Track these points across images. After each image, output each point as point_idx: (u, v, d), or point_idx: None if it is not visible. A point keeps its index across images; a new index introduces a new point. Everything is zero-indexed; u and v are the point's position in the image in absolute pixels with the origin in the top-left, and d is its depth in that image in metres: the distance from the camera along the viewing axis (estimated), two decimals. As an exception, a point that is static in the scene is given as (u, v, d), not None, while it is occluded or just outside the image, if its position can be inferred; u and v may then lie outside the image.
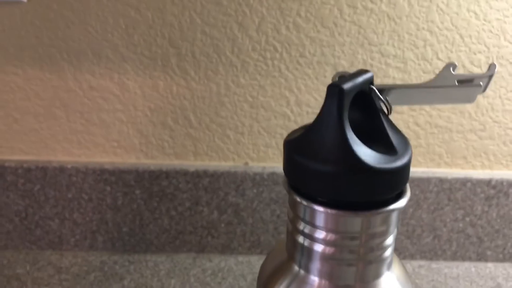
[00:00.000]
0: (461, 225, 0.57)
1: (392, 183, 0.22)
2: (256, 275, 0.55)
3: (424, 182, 0.55)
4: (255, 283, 0.55)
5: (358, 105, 0.23)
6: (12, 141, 0.56)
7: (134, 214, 0.57)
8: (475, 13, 0.50)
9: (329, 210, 0.23)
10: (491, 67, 0.24)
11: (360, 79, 0.23)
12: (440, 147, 0.56)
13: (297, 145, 0.23)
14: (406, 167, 0.23)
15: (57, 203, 0.57)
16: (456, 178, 0.55)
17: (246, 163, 0.57)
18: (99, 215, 0.58)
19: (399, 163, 0.22)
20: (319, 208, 0.23)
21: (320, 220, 0.23)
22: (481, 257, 0.59)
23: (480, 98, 0.53)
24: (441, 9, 0.50)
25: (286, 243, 0.27)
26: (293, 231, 0.25)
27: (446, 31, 0.51)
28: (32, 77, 0.53)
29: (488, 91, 0.51)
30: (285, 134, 0.56)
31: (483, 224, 0.57)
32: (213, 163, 0.57)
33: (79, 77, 0.53)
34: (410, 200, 0.55)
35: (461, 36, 0.51)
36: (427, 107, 0.54)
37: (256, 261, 0.59)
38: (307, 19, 0.51)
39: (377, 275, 0.25)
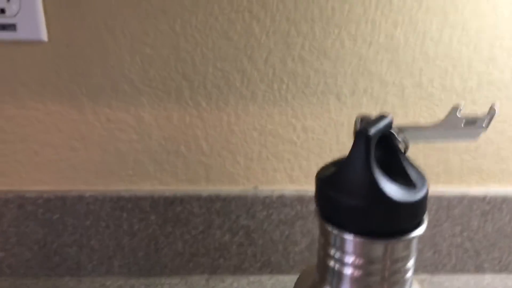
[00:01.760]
0: (459, 239, 0.61)
1: (413, 213, 0.26)
2: (269, 294, 0.58)
3: (423, 201, 0.59)
4: (268, 302, 0.58)
5: (380, 145, 0.26)
6: (33, 172, 0.59)
7: (150, 239, 0.60)
8: (466, 44, 0.54)
9: (357, 238, 0.26)
10: (492, 108, 0.27)
11: (382, 124, 0.26)
12: (437, 167, 0.60)
13: (330, 182, 0.27)
14: (424, 199, 0.26)
15: (75, 231, 0.59)
16: (453, 196, 0.59)
17: (256, 187, 0.61)
18: (115, 241, 0.60)
19: (418, 196, 0.26)
20: (349, 237, 0.26)
21: (349, 246, 0.27)
22: (479, 269, 0.62)
23: (472, 121, 0.57)
24: (434, 41, 0.54)
25: (317, 266, 0.30)
26: (325, 256, 0.28)
27: (439, 61, 0.55)
28: (52, 112, 0.56)
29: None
30: (292, 159, 0.59)
31: (479, 238, 0.61)
32: (225, 187, 0.60)
33: (97, 110, 0.56)
34: (411, 217, 0.59)
35: (454, 66, 0.55)
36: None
37: (266, 281, 0.61)
38: (311, 52, 0.55)
39: (400, 294, 0.28)
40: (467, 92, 0.56)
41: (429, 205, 0.59)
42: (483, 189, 0.60)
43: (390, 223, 0.26)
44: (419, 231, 0.27)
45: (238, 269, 0.62)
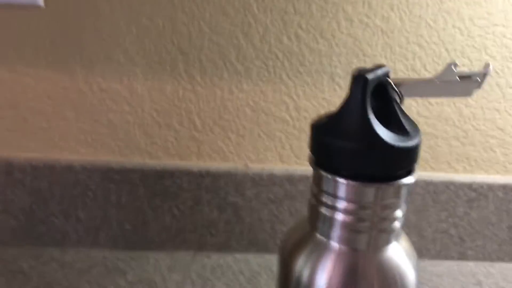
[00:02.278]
0: (444, 225, 0.62)
1: (404, 159, 0.26)
2: (254, 272, 0.58)
3: (411, 186, 0.60)
4: (253, 279, 0.58)
5: (376, 95, 0.27)
6: (22, 139, 0.58)
7: (137, 212, 0.60)
8: (460, 30, 0.55)
9: (350, 182, 0.26)
10: (486, 66, 0.28)
11: (380, 71, 0.27)
12: (426, 152, 0.60)
13: (325, 127, 0.27)
14: (417, 147, 0.27)
15: (62, 201, 0.59)
16: (440, 181, 0.60)
17: (246, 165, 0.61)
18: (102, 212, 0.60)
19: (412, 143, 0.26)
20: (342, 180, 0.27)
21: (341, 191, 0.27)
22: (463, 256, 0.63)
23: (463, 107, 0.58)
24: (429, 25, 0.55)
25: (308, 217, 0.30)
26: (317, 204, 0.29)
27: (433, 45, 0.56)
28: (44, 78, 0.56)
29: (470, 101, 0.56)
30: (283, 138, 0.59)
31: (464, 225, 0.62)
32: (215, 164, 0.60)
33: (90, 79, 0.56)
34: (398, 201, 0.59)
35: (447, 50, 0.56)
36: (414, 114, 0.58)
37: (253, 259, 0.62)
38: (308, 31, 0.55)
39: (387, 242, 0.29)
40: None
41: (416, 189, 0.59)
42: (470, 176, 0.61)
43: (382, 167, 0.26)
44: (410, 179, 0.27)
45: (225, 246, 0.62)
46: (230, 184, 0.59)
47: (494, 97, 0.58)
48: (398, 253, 0.29)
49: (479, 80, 0.27)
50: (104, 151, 0.59)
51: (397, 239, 0.30)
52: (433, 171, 0.61)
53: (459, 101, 0.58)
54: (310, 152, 0.29)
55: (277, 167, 0.60)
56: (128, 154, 0.59)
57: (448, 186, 0.60)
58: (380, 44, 0.55)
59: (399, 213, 0.29)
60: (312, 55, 0.56)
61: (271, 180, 0.59)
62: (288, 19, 0.54)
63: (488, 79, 0.57)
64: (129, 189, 0.59)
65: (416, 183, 0.60)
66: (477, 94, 0.57)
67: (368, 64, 0.56)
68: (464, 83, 0.27)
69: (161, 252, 0.61)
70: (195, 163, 0.60)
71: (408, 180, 0.27)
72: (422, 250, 0.63)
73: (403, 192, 0.28)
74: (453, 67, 0.27)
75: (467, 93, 0.27)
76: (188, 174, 0.59)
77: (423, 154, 0.60)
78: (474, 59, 0.56)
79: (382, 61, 0.56)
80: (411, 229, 0.61)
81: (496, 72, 0.57)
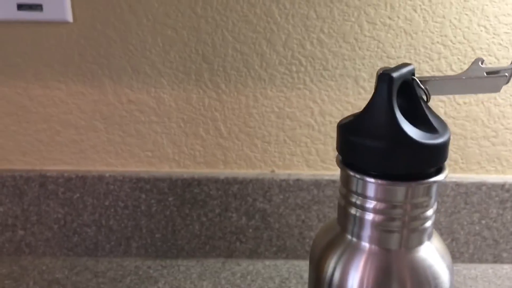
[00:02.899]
0: (477, 228, 0.60)
1: (434, 157, 0.26)
2: (284, 278, 0.58)
3: (441, 187, 0.59)
4: (283, 285, 0.58)
5: (402, 94, 0.27)
6: (54, 152, 0.60)
7: (167, 221, 0.61)
8: (485, 28, 0.54)
9: (379, 181, 0.26)
10: (514, 61, 0.28)
11: (405, 69, 0.27)
12: (455, 153, 0.59)
13: (351, 127, 0.27)
14: (446, 144, 0.26)
15: (94, 211, 0.60)
16: (471, 183, 0.59)
17: (273, 171, 0.61)
18: (133, 221, 0.61)
19: (440, 140, 0.26)
20: (371, 180, 0.27)
21: (371, 191, 0.27)
22: (497, 259, 0.62)
23: (492, 106, 0.57)
24: (454, 24, 0.54)
25: (338, 218, 0.30)
26: (346, 205, 0.29)
27: (458, 44, 0.55)
28: (75, 92, 0.58)
29: (499, 99, 0.55)
30: (309, 143, 0.59)
31: (498, 226, 0.60)
32: (242, 171, 0.61)
33: (118, 91, 0.57)
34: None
35: (473, 49, 0.55)
36: (442, 115, 0.57)
37: (282, 265, 0.61)
38: (330, 35, 0.55)
39: (419, 242, 0.28)
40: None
41: (447, 191, 0.58)
42: (502, 177, 0.60)
43: (411, 165, 0.26)
44: (439, 177, 0.27)
45: (254, 253, 0.62)
46: (258, 190, 0.59)
47: (524, 95, 0.57)
48: (431, 253, 0.29)
49: (507, 75, 0.27)
50: (133, 161, 0.60)
51: (429, 239, 0.29)
52: (464, 172, 0.60)
53: (488, 100, 0.57)
54: (337, 152, 0.29)
55: (304, 173, 0.60)
56: (157, 163, 0.60)
57: (480, 187, 0.59)
58: (404, 46, 0.55)
59: (430, 212, 0.28)
60: (335, 59, 0.56)
61: (298, 185, 0.59)
62: (310, 24, 0.55)
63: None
64: (158, 198, 0.60)
65: (447, 185, 0.59)
66: (506, 92, 0.56)
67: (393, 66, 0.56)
68: (491, 79, 0.27)
69: (191, 260, 0.62)
70: (222, 171, 0.61)
71: (438, 177, 0.27)
72: (456, 254, 0.61)
73: (434, 190, 0.28)
74: (480, 63, 0.27)
75: (495, 89, 0.27)
76: (216, 181, 0.59)
77: (453, 155, 0.59)
78: (501, 57, 0.55)
79: (406, 62, 0.56)
80: (443, 231, 0.60)
81: (525, 69, 0.56)
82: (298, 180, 0.59)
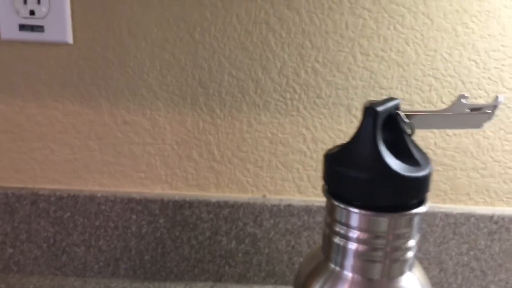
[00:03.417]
0: (465, 258, 0.61)
1: (415, 189, 0.27)
2: (272, 303, 0.58)
3: (430, 217, 0.59)
4: (271, 311, 0.57)
5: (387, 127, 0.28)
6: (48, 170, 0.60)
7: (157, 242, 0.61)
8: (476, 62, 0.56)
9: (363, 212, 0.27)
10: (496, 98, 0.29)
11: (390, 104, 0.28)
12: (445, 183, 0.60)
13: (337, 157, 0.28)
14: (427, 177, 0.27)
15: (84, 230, 0.60)
16: (460, 213, 0.59)
17: (264, 195, 0.61)
18: (123, 242, 0.61)
19: (422, 173, 0.27)
20: (355, 210, 0.27)
21: (354, 221, 0.28)
22: (485, 291, 0.62)
23: (481, 138, 0.58)
24: (445, 58, 0.56)
25: (322, 247, 0.31)
26: (330, 234, 0.29)
27: (449, 77, 0.56)
28: (71, 112, 0.58)
29: (488, 132, 0.56)
30: (301, 169, 0.60)
31: (486, 258, 0.61)
32: (233, 194, 0.61)
33: (114, 112, 0.58)
34: (418, 233, 0.59)
35: (463, 83, 0.56)
36: (432, 146, 0.58)
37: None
38: (324, 65, 0.56)
39: (401, 273, 0.29)
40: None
41: (436, 221, 0.59)
42: (491, 208, 0.60)
43: (394, 197, 0.27)
44: (422, 208, 0.27)
45: (243, 278, 0.62)
46: (248, 214, 0.60)
47: (512, 129, 0.58)
48: (412, 283, 0.29)
49: (490, 112, 0.27)
50: (126, 181, 0.61)
51: (411, 269, 0.30)
52: (453, 203, 0.61)
53: (477, 133, 0.58)
54: (323, 182, 0.30)
55: (295, 198, 0.61)
56: (149, 184, 0.61)
57: (469, 218, 0.59)
58: (396, 77, 0.56)
59: (412, 242, 0.29)
60: (329, 88, 0.57)
61: (289, 211, 0.60)
62: (305, 53, 0.56)
63: (506, 111, 0.57)
64: (149, 219, 0.60)
65: (436, 215, 0.59)
66: (495, 125, 0.58)
67: (384, 97, 0.57)
68: (474, 115, 0.28)
69: (179, 283, 0.62)
70: (213, 194, 0.61)
71: (420, 209, 0.28)
72: (444, 284, 0.62)
73: (416, 221, 0.29)
74: (463, 100, 0.28)
75: (478, 125, 0.28)
76: (207, 204, 0.60)
77: (442, 185, 0.60)
78: (491, 91, 0.57)
79: (398, 93, 0.57)
80: (432, 261, 0.61)
81: (514, 104, 0.57)
82: (289, 205, 0.60)
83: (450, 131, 0.58)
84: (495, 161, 0.59)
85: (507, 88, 0.56)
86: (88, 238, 0.61)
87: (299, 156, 0.60)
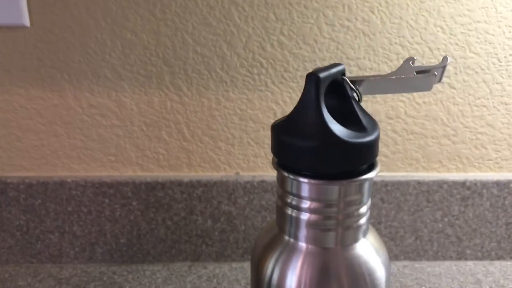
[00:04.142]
0: (440, 225, 0.61)
1: (363, 155, 0.26)
2: (249, 281, 0.58)
3: (403, 185, 0.59)
4: (249, 287, 0.58)
5: (333, 94, 0.27)
6: (15, 158, 0.59)
7: (132, 225, 0.60)
8: (442, 28, 0.55)
9: (312, 181, 0.26)
10: (444, 59, 0.28)
11: (334, 70, 0.27)
12: (416, 152, 0.60)
13: (282, 127, 0.27)
14: (375, 142, 0.27)
15: (57, 217, 0.60)
16: (433, 181, 0.59)
17: (237, 173, 0.61)
18: (98, 227, 0.60)
19: (369, 138, 0.26)
20: (304, 180, 0.27)
21: (304, 191, 0.27)
22: (461, 256, 0.62)
23: (451, 105, 0.58)
24: (411, 25, 0.55)
25: (276, 219, 0.30)
26: (282, 206, 0.29)
27: (416, 45, 0.56)
28: (34, 97, 0.57)
29: (457, 98, 0.56)
30: (273, 144, 0.60)
31: (461, 224, 0.61)
32: (206, 173, 0.61)
33: (79, 95, 0.57)
34: (390, 203, 0.59)
35: (430, 49, 0.56)
36: (402, 115, 0.58)
37: (249, 267, 0.61)
38: (290, 37, 0.55)
39: (354, 240, 0.29)
40: (444, 76, 0.57)
41: (409, 190, 0.59)
42: (463, 175, 0.60)
43: (341, 164, 0.26)
44: (370, 174, 0.27)
45: (221, 256, 0.62)
46: (222, 193, 0.59)
47: (481, 94, 0.57)
48: (367, 250, 0.29)
49: (437, 74, 0.27)
50: (96, 165, 0.60)
51: (365, 236, 0.30)
52: (425, 171, 0.61)
53: (447, 100, 0.58)
54: (272, 154, 0.29)
55: (269, 174, 0.60)
56: (120, 167, 0.60)
57: (441, 185, 0.60)
58: (362, 47, 0.56)
59: (364, 209, 0.29)
60: (296, 61, 0.56)
61: (263, 187, 0.59)
62: (270, 26, 0.55)
63: (474, 76, 0.57)
64: (122, 202, 0.59)
65: (409, 183, 0.59)
66: (464, 91, 0.57)
67: (353, 67, 0.57)
68: (422, 77, 0.27)
69: (157, 265, 0.62)
70: (186, 174, 0.60)
71: (369, 175, 0.27)
72: (420, 251, 0.62)
73: (366, 187, 0.28)
74: (411, 63, 0.27)
75: (427, 87, 0.27)
76: (180, 184, 0.59)
77: (414, 154, 0.60)
78: (459, 57, 0.56)
79: (366, 63, 0.56)
80: (407, 230, 0.61)
81: (482, 69, 0.57)
82: (262, 181, 0.59)
83: (420, 99, 0.58)
84: (466, 127, 0.59)
85: (474, 53, 0.56)
86: (61, 224, 0.60)
87: (270, 131, 0.59)
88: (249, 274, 0.60)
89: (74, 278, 0.59)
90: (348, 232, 0.28)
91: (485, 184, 0.60)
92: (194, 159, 0.60)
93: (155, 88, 0.57)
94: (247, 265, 0.62)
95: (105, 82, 0.57)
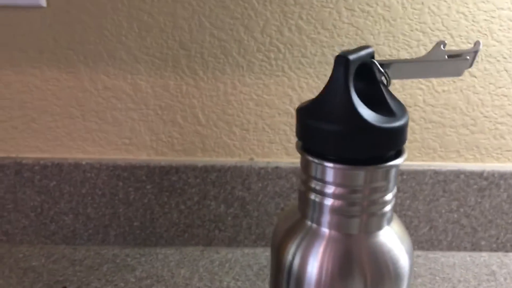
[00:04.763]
0: (455, 215, 0.60)
1: (391, 141, 0.26)
2: (262, 266, 0.58)
3: (419, 175, 0.59)
4: (261, 272, 0.58)
5: (361, 77, 0.26)
6: (30, 139, 0.59)
7: (145, 209, 0.60)
8: (464, 15, 0.54)
9: (337, 166, 0.26)
10: (477, 43, 0.27)
11: (363, 52, 0.26)
12: (434, 141, 0.59)
13: (309, 111, 0.27)
14: (404, 128, 0.26)
15: (71, 199, 0.60)
16: (450, 171, 0.59)
17: (252, 158, 0.60)
18: (111, 209, 0.60)
19: (398, 123, 0.26)
20: (329, 165, 0.26)
21: (329, 176, 0.27)
22: (475, 247, 0.62)
23: (470, 94, 0.57)
24: (433, 11, 0.54)
25: (299, 205, 0.30)
26: (306, 191, 0.28)
27: (437, 31, 0.54)
28: (50, 78, 0.57)
29: (478, 87, 0.55)
30: (288, 131, 0.59)
31: (476, 214, 0.60)
32: (220, 158, 0.60)
33: (94, 77, 0.57)
34: (406, 192, 0.59)
35: (452, 36, 0.55)
36: (421, 103, 0.57)
37: (261, 253, 0.61)
38: (308, 22, 0.55)
39: (378, 227, 0.28)
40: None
41: (425, 179, 0.58)
42: (481, 165, 0.60)
43: (368, 149, 0.26)
44: (398, 161, 0.27)
45: (233, 241, 0.62)
46: (236, 178, 0.59)
47: (502, 83, 0.56)
48: (390, 238, 0.28)
49: (469, 58, 0.26)
50: (110, 148, 0.60)
51: (389, 223, 0.29)
52: (442, 160, 0.60)
53: (467, 88, 0.57)
54: (296, 137, 0.29)
55: (283, 160, 0.60)
56: (134, 151, 0.60)
57: (458, 175, 0.59)
58: (382, 33, 0.55)
59: (389, 196, 0.28)
60: (314, 46, 0.55)
61: (277, 173, 0.59)
62: (288, 10, 0.54)
63: (496, 64, 0.56)
64: (136, 186, 0.59)
65: (425, 172, 0.59)
66: (485, 80, 0.56)
67: (372, 53, 0.56)
68: (453, 62, 0.26)
69: (170, 248, 0.62)
70: (200, 159, 0.60)
71: (396, 161, 0.27)
72: (434, 241, 0.62)
73: (392, 174, 0.28)
74: (442, 46, 0.27)
75: (457, 72, 0.27)
76: (194, 169, 0.59)
77: (431, 143, 0.59)
78: (482, 44, 0.55)
79: (385, 49, 0.55)
80: (421, 219, 0.60)
81: (504, 57, 0.55)
82: (277, 168, 0.59)
83: (439, 87, 0.57)
84: (485, 116, 0.58)
85: (497, 41, 0.55)
86: (75, 206, 0.60)
87: (286, 117, 0.58)
88: (261, 260, 0.60)
89: (87, 259, 0.59)
90: (372, 219, 0.28)
91: (503, 175, 0.59)
92: (209, 143, 0.60)
93: (171, 72, 0.57)
94: (259, 251, 0.62)
95: (120, 64, 0.56)
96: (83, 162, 0.58)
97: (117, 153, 0.60)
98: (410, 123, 0.58)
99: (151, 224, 0.61)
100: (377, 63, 0.27)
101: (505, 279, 0.57)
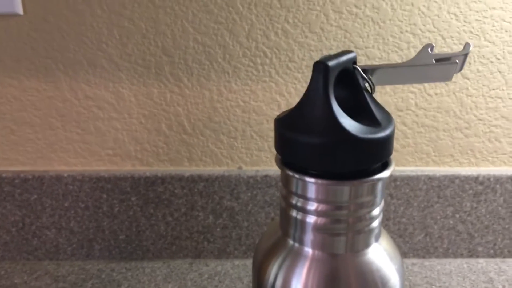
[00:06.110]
0: (451, 222, 0.59)
1: (376, 153, 0.24)
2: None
3: (413, 180, 0.57)
4: (251, 285, 0.56)
5: (343, 84, 0.25)
6: (9, 152, 0.57)
7: (131, 221, 0.58)
8: (455, 15, 0.52)
9: (319, 181, 0.24)
10: (466, 46, 0.25)
11: (344, 58, 0.25)
12: (427, 145, 0.57)
13: (287, 122, 0.25)
14: (389, 138, 0.24)
15: (54, 212, 0.58)
16: (444, 176, 0.57)
17: (240, 167, 0.59)
18: (95, 223, 0.58)
19: (383, 134, 0.24)
20: (310, 180, 0.24)
21: (311, 191, 0.25)
22: (472, 254, 0.60)
23: (463, 97, 0.55)
24: (423, 12, 0.52)
25: (280, 221, 0.28)
26: (287, 207, 0.26)
27: (428, 33, 0.53)
28: (29, 88, 0.55)
29: (471, 89, 0.53)
30: (277, 138, 0.57)
31: (472, 220, 0.59)
32: (208, 168, 0.58)
33: (74, 87, 0.55)
34: (400, 199, 0.57)
35: (443, 38, 0.53)
36: (413, 107, 0.55)
37: (252, 264, 0.59)
38: (295, 25, 0.53)
39: (366, 245, 0.26)
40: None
41: (419, 185, 0.56)
42: (476, 169, 0.58)
43: (352, 162, 0.24)
44: (384, 174, 0.25)
45: (223, 253, 0.60)
46: (225, 188, 0.57)
47: (496, 84, 0.55)
48: (379, 256, 0.26)
49: (458, 62, 0.24)
50: (93, 160, 0.58)
51: (377, 240, 0.27)
52: (436, 165, 0.58)
53: (459, 91, 0.55)
54: (275, 150, 0.27)
55: (272, 169, 0.58)
56: (118, 161, 0.58)
57: (453, 180, 0.57)
58: (372, 35, 0.53)
59: (376, 211, 0.26)
60: (301, 50, 0.54)
61: (267, 182, 0.57)
62: (274, 13, 0.52)
63: (489, 66, 0.54)
64: (120, 198, 0.57)
65: (419, 178, 0.57)
66: (478, 82, 0.54)
67: (361, 57, 0.54)
68: (441, 66, 0.25)
69: (157, 262, 0.60)
70: (187, 168, 0.58)
71: (382, 174, 0.25)
72: (429, 249, 0.60)
73: (379, 188, 0.26)
74: (429, 50, 0.25)
75: (446, 77, 0.25)
76: (180, 179, 0.57)
77: (425, 147, 0.57)
78: (473, 46, 0.53)
79: (375, 52, 0.53)
80: (416, 226, 0.59)
81: (497, 58, 0.54)
82: (266, 176, 0.57)
83: (431, 90, 0.55)
84: (479, 119, 0.56)
85: (489, 42, 0.53)
86: (58, 220, 0.58)
87: (274, 126, 0.56)
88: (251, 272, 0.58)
89: (71, 275, 0.57)
90: (359, 237, 0.26)
91: (498, 179, 0.57)
92: (195, 152, 0.58)
93: (154, 79, 0.55)
94: (249, 263, 0.60)
95: (101, 72, 0.54)
96: (65, 175, 0.56)
97: (100, 165, 0.58)
98: (403, 128, 0.57)
99: (137, 237, 0.59)
100: (359, 69, 0.25)
101: (503, 286, 0.55)
